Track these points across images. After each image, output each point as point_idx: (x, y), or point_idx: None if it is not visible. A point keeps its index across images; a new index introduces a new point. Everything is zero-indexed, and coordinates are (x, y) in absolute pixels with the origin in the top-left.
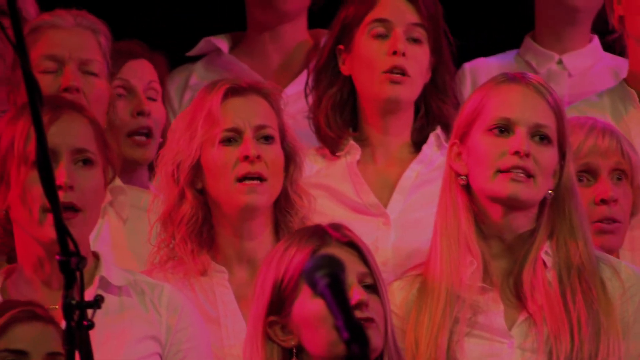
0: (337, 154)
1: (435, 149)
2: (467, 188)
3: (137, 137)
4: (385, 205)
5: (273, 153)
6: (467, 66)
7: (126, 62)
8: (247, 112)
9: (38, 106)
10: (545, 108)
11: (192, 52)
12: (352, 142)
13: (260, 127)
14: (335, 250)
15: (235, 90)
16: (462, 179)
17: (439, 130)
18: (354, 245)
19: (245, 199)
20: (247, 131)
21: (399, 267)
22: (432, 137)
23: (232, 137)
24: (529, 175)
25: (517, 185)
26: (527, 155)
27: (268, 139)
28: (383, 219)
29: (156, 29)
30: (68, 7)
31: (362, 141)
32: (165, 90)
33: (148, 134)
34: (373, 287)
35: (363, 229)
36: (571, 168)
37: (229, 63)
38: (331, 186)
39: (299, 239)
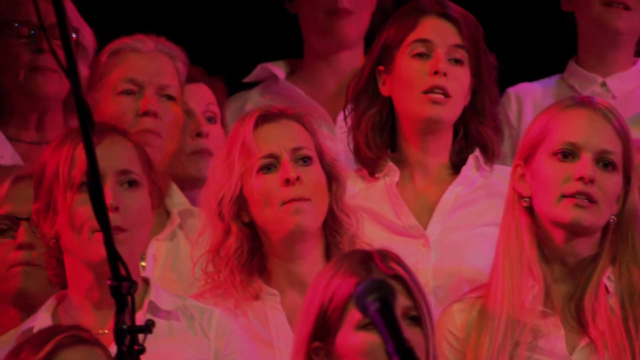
0: (375, 175)
1: (474, 171)
2: (530, 210)
3: (198, 155)
4: (425, 227)
5: (313, 173)
6: (512, 91)
7: (184, 86)
8: (280, 137)
9: (89, 130)
10: (611, 133)
11: (249, 79)
12: (390, 163)
13: (296, 149)
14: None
15: (265, 117)
16: (525, 200)
17: (477, 152)
18: (399, 278)
19: (293, 220)
20: (284, 155)
21: (440, 289)
22: (471, 159)
23: (270, 164)
24: (592, 201)
25: (580, 211)
26: (592, 181)
27: (306, 160)
28: (423, 241)
29: (213, 55)
30: (127, 32)
31: (401, 162)
32: (222, 116)
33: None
34: (417, 319)
35: (403, 251)
36: (635, 194)
37: (285, 89)
38: (371, 208)
39: (346, 268)
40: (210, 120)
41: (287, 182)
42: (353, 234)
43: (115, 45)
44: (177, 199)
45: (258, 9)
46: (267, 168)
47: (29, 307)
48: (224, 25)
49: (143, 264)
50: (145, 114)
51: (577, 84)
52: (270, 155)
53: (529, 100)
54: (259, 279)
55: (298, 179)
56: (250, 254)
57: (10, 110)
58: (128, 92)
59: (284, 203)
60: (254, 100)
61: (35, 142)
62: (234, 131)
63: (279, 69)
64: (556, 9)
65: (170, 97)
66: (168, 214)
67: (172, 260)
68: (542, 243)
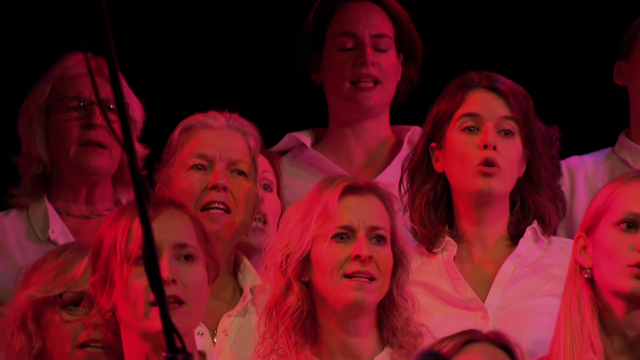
0: (433, 250)
1: (532, 243)
2: (592, 282)
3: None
4: (483, 300)
5: (384, 254)
6: (563, 164)
7: (257, 162)
8: (362, 212)
9: (145, 203)
10: None
11: (277, 148)
12: (447, 238)
13: (374, 228)
14: (487, 347)
15: (352, 189)
16: (586, 272)
17: (535, 224)
18: (506, 349)
19: (353, 295)
20: (361, 230)
21: None
22: (528, 231)
23: (345, 235)
24: None
25: None
26: None
27: (380, 239)
28: (481, 313)
29: None
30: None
31: (458, 237)
32: (278, 185)
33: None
34: None
35: (461, 323)
36: None
37: (313, 158)
38: (429, 283)
39: (454, 343)
40: (266, 188)
41: (357, 257)
42: (408, 317)
43: (188, 122)
44: (249, 275)
45: (284, 80)
46: (340, 237)
47: None
48: (251, 96)
49: (215, 339)
50: (214, 187)
51: (629, 158)
52: (348, 227)
53: (580, 173)
54: (309, 350)
55: (370, 257)
56: (307, 316)
57: (60, 184)
58: (198, 167)
59: (347, 276)
60: (284, 168)
61: (84, 216)
62: (316, 194)
63: (306, 138)
64: (609, 82)
65: (240, 172)
66: (241, 290)
67: (243, 336)
68: (603, 315)
